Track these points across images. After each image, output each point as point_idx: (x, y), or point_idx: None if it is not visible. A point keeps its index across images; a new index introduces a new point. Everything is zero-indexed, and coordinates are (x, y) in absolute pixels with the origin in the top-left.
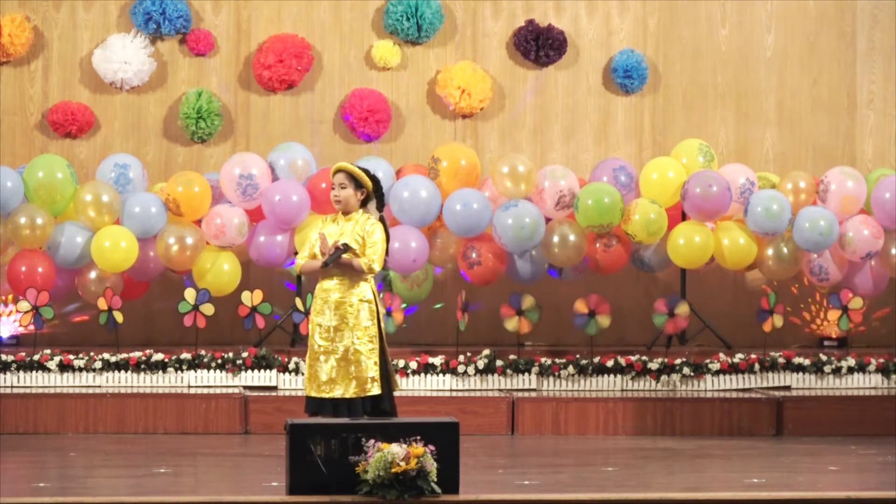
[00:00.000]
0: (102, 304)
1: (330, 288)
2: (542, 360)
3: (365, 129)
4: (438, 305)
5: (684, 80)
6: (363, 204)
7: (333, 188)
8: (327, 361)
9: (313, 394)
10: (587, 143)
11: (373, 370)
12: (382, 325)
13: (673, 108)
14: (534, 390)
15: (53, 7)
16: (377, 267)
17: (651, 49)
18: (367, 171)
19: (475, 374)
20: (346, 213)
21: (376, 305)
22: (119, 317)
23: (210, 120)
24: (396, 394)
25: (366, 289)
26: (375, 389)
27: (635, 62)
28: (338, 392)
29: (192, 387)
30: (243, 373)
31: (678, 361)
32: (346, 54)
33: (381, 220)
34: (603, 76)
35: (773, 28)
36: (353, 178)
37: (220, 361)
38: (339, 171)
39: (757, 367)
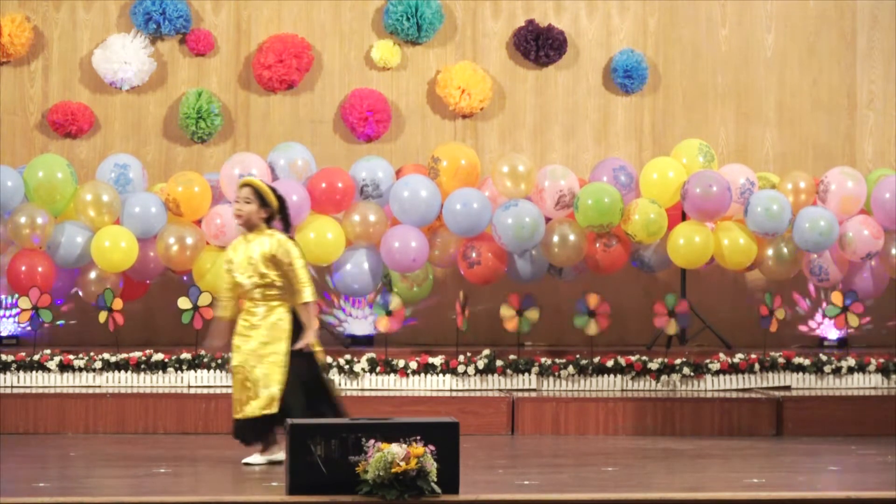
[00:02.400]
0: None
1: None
2: (542, 360)
3: (365, 129)
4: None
5: (684, 80)
6: (267, 222)
7: (237, 201)
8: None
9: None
10: (587, 142)
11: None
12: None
13: (673, 107)
14: (534, 390)
15: (53, 7)
16: (311, 296)
17: (651, 49)
18: (274, 191)
19: (475, 374)
20: (249, 229)
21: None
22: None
23: (210, 120)
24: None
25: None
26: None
27: (635, 62)
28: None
29: (192, 387)
30: None
31: (678, 361)
32: (346, 54)
33: (292, 240)
34: (603, 76)
35: (773, 28)
36: (258, 194)
37: (220, 361)
38: (245, 185)
39: (757, 367)
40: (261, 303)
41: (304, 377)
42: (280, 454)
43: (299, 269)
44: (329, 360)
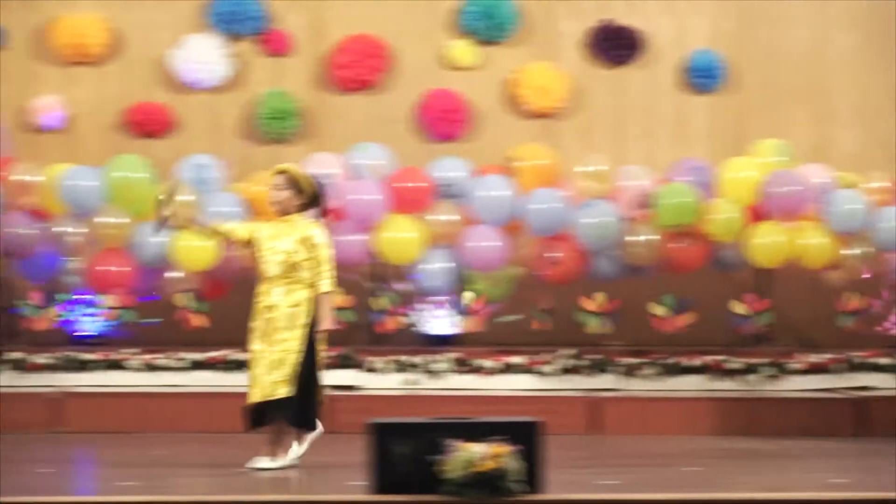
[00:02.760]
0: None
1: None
2: (624, 360)
3: (442, 128)
4: (511, 318)
5: (761, 79)
6: (303, 209)
7: (272, 189)
8: None
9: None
10: (664, 142)
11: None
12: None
13: (750, 107)
14: (616, 390)
15: (132, 8)
16: (330, 286)
17: (727, 49)
18: (309, 177)
19: (557, 374)
20: (283, 215)
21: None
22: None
23: (288, 120)
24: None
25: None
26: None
27: (712, 62)
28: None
29: None
30: (330, 372)
31: (759, 361)
32: (422, 54)
33: (323, 228)
34: (679, 76)
35: (850, 27)
36: (293, 181)
37: None
38: (280, 172)
39: (838, 367)
40: (283, 284)
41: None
42: (290, 455)
43: (324, 259)
44: (412, 360)
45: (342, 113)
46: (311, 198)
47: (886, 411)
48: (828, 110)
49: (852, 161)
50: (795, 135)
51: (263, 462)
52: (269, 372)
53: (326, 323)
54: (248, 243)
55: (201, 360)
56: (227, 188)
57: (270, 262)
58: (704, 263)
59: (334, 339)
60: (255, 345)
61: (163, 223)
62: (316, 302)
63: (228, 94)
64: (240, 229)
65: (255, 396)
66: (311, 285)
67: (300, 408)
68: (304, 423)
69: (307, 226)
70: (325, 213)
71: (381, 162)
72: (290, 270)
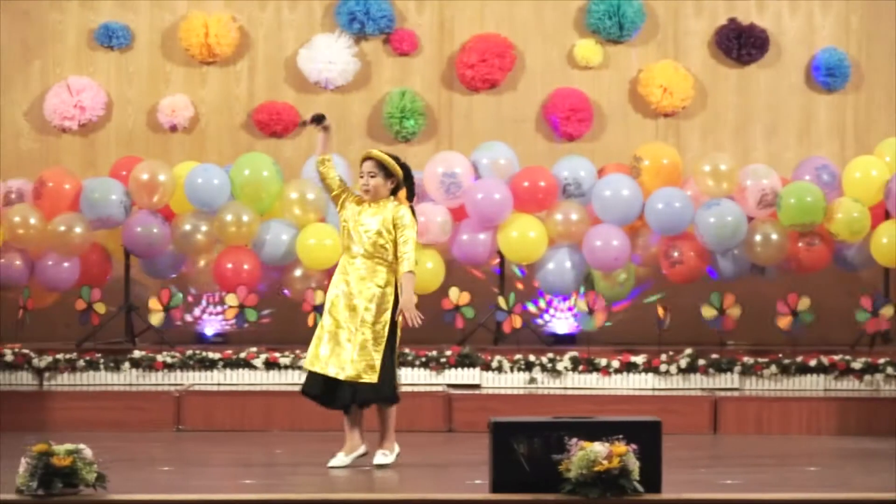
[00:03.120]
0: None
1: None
2: (745, 359)
3: (567, 128)
4: (654, 298)
5: (887, 77)
6: (393, 192)
7: (362, 176)
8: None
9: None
10: (789, 141)
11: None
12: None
13: (876, 105)
14: (736, 389)
15: (259, 7)
16: (412, 267)
17: (854, 47)
18: (397, 160)
19: (677, 374)
20: (374, 200)
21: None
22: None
23: (414, 119)
24: None
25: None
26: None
27: (838, 60)
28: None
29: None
30: (447, 371)
31: (882, 361)
32: (548, 53)
33: (411, 210)
34: (805, 74)
35: None
36: (382, 166)
37: (423, 360)
38: (368, 158)
39: None
40: (369, 263)
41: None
42: (361, 448)
43: (409, 240)
44: (532, 358)
45: (468, 112)
46: (399, 181)
47: None
48: None
49: None
50: None
51: (338, 459)
52: (355, 353)
53: (406, 303)
54: (335, 199)
55: None
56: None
57: (359, 240)
58: (829, 263)
59: (456, 337)
60: (330, 318)
61: (317, 120)
62: (397, 282)
63: (355, 94)
64: (336, 183)
65: (331, 372)
66: (394, 267)
67: (384, 390)
68: (392, 401)
69: (395, 207)
70: (411, 196)
71: (505, 161)
72: (378, 251)
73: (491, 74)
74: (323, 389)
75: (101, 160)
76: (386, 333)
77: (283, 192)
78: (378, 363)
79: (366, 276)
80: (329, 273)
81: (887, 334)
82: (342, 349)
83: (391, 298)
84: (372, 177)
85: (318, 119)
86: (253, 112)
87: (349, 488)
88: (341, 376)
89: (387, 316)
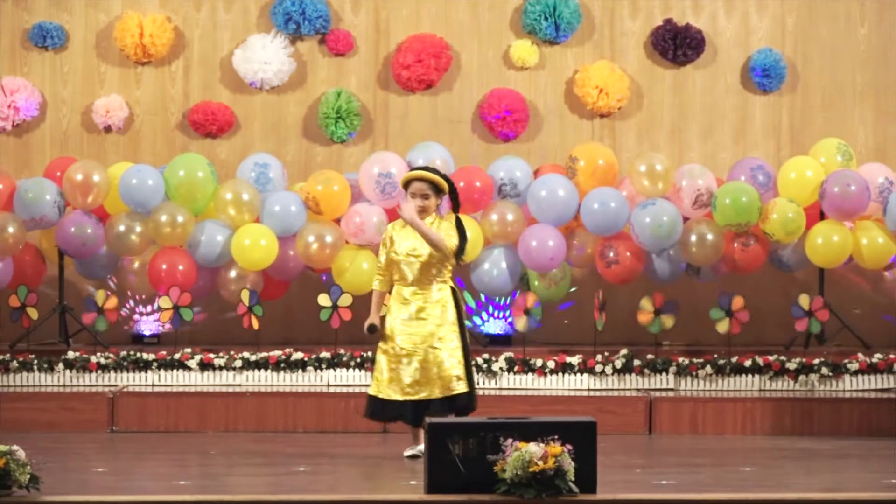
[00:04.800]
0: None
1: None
2: (680, 359)
3: (503, 128)
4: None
5: (823, 78)
6: (439, 207)
7: (415, 197)
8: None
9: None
10: (725, 142)
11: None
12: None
13: (811, 107)
14: (671, 390)
15: (194, 7)
16: (450, 244)
17: (789, 48)
18: (441, 175)
19: (613, 374)
20: (423, 217)
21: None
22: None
23: (349, 120)
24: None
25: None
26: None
27: (773, 61)
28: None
29: (331, 385)
30: None
31: (816, 361)
32: (485, 54)
33: (458, 220)
34: (741, 75)
35: None
36: (433, 184)
37: (359, 360)
38: (419, 179)
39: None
40: (427, 284)
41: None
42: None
43: (452, 237)
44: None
45: (403, 112)
46: (446, 194)
47: None
48: (890, 109)
49: None
50: (856, 134)
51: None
52: (435, 371)
53: (411, 217)
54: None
55: (257, 359)
56: (287, 188)
57: (412, 266)
58: (764, 263)
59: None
60: (395, 345)
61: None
62: (455, 293)
63: (290, 94)
64: (384, 264)
65: (413, 395)
66: (449, 280)
67: (471, 396)
68: (474, 408)
69: (444, 224)
70: (457, 207)
71: (441, 161)
72: (432, 270)
73: (427, 75)
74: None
75: (35, 160)
76: (460, 344)
77: (218, 193)
78: (463, 373)
79: (427, 298)
80: (264, 274)
81: (822, 335)
82: (426, 372)
83: (454, 309)
84: (425, 198)
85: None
86: (188, 113)
87: (284, 489)
88: (437, 395)
89: (456, 328)
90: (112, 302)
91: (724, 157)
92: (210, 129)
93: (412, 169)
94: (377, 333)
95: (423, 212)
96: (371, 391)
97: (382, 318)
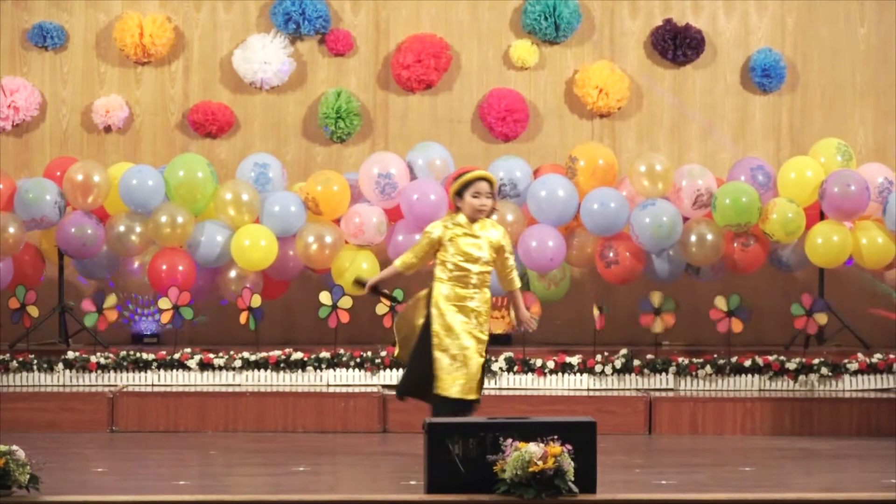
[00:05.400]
0: (241, 304)
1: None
2: (680, 359)
3: (503, 128)
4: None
5: (823, 78)
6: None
7: (479, 196)
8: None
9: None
10: (725, 142)
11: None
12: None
13: (811, 107)
14: (671, 390)
15: (194, 7)
16: (518, 283)
17: (789, 48)
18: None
19: (612, 374)
20: (474, 220)
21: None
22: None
23: (349, 120)
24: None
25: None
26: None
27: (773, 61)
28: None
29: (331, 385)
30: (382, 371)
31: (816, 361)
32: (484, 54)
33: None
34: (741, 75)
35: None
36: (493, 186)
37: (359, 360)
38: (485, 179)
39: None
40: (478, 289)
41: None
42: None
43: (512, 257)
44: None
45: (403, 112)
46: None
47: None
48: (890, 109)
49: None
50: (856, 134)
51: None
52: (479, 372)
53: (526, 318)
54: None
55: (256, 359)
56: (287, 188)
57: (470, 267)
58: (763, 263)
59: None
60: (453, 342)
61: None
62: (513, 298)
63: (290, 94)
64: (432, 250)
65: (473, 394)
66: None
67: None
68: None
69: (495, 228)
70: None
71: (441, 161)
72: (486, 272)
73: (426, 75)
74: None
75: (35, 161)
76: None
77: (218, 194)
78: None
79: (482, 299)
80: (264, 274)
81: (821, 335)
82: (472, 371)
83: (488, 316)
84: (489, 198)
85: (361, 284)
86: (188, 113)
87: (284, 489)
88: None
89: (486, 334)
90: (111, 301)
91: (723, 157)
92: (210, 130)
93: (462, 173)
94: (358, 287)
95: (483, 212)
96: (436, 391)
97: (374, 287)
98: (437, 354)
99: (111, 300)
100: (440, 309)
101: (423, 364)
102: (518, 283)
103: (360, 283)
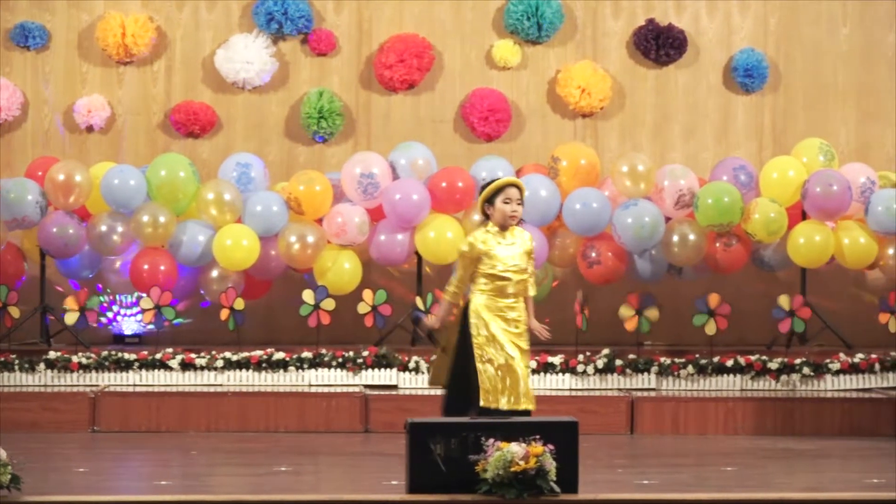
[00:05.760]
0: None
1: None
2: (662, 359)
3: (485, 128)
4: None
5: (805, 79)
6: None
7: (509, 203)
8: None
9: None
10: (707, 142)
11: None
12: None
13: (793, 107)
14: (653, 390)
15: (176, 7)
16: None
17: (772, 48)
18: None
19: (595, 374)
20: (505, 227)
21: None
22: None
23: (331, 119)
24: None
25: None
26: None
27: (756, 61)
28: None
29: (312, 385)
30: (364, 372)
31: (798, 361)
32: (467, 54)
33: None
34: (723, 75)
35: (895, 26)
36: (521, 193)
37: (340, 360)
38: (514, 185)
39: (877, 366)
40: (516, 298)
41: None
42: None
43: (533, 264)
44: None
45: (386, 112)
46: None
47: None
48: (872, 110)
49: (895, 160)
50: (839, 134)
51: None
52: (522, 385)
53: (536, 327)
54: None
55: (238, 359)
56: (269, 188)
57: (510, 276)
58: (746, 263)
59: (373, 338)
60: (498, 353)
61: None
62: (525, 305)
63: (272, 94)
64: (474, 267)
65: (523, 405)
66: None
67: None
68: None
69: (523, 234)
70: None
71: (423, 161)
72: (523, 280)
73: (409, 75)
74: None
75: (17, 160)
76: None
77: (200, 193)
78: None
79: (517, 309)
80: (246, 274)
81: (803, 334)
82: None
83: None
84: (519, 204)
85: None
86: (170, 112)
87: (266, 489)
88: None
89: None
90: (94, 302)
91: (706, 157)
92: (192, 129)
93: (489, 182)
94: (421, 330)
95: (514, 218)
96: (483, 403)
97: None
98: (481, 367)
99: (93, 300)
100: (483, 320)
101: (467, 381)
102: (534, 291)
103: (417, 320)
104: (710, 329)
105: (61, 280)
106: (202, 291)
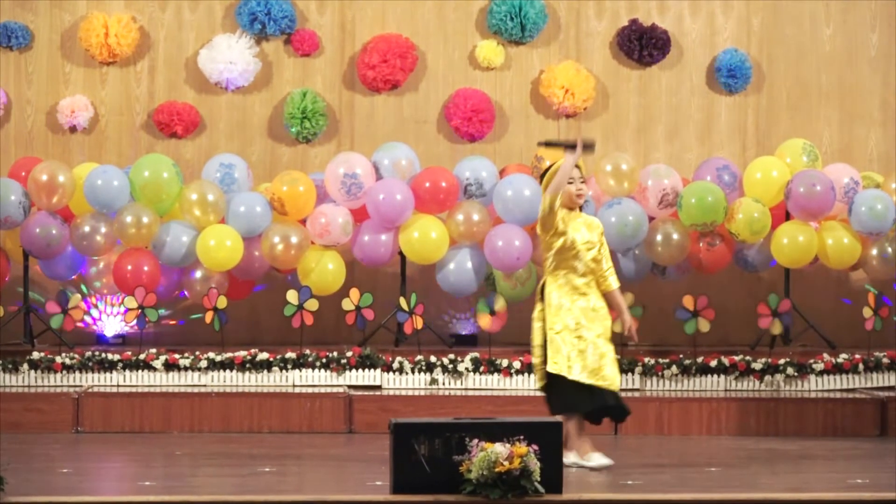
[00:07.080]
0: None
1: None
2: (645, 359)
3: (469, 128)
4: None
5: (788, 79)
6: None
7: (573, 182)
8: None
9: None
10: (690, 142)
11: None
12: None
13: (777, 107)
14: (637, 390)
15: (159, 8)
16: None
17: (755, 48)
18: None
19: None
20: (572, 208)
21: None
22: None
23: (315, 120)
24: None
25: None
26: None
27: (739, 61)
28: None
29: (296, 386)
30: (347, 372)
31: (782, 361)
32: (450, 54)
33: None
34: (707, 76)
35: (878, 27)
36: (584, 173)
37: (324, 361)
38: (576, 165)
39: (861, 367)
40: (594, 279)
41: None
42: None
43: (608, 253)
44: (433, 359)
45: (369, 113)
46: None
47: None
48: (855, 110)
49: (879, 161)
50: (822, 134)
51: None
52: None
53: (629, 319)
54: (556, 231)
55: (222, 360)
56: (253, 188)
57: (586, 258)
58: (729, 263)
59: (357, 338)
60: (576, 336)
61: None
62: (613, 300)
63: (256, 94)
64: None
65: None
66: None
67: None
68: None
69: (592, 217)
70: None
71: (407, 161)
72: (597, 259)
73: (392, 75)
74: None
75: None
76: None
77: (183, 194)
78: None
79: (598, 293)
80: (230, 275)
81: (787, 335)
82: (609, 364)
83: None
84: (583, 182)
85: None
86: (153, 113)
87: (250, 490)
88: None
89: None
90: (77, 302)
91: (689, 157)
92: (175, 130)
93: (549, 166)
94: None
95: (581, 197)
96: (570, 375)
97: None
98: (561, 341)
99: (76, 300)
100: (560, 302)
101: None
102: (617, 283)
103: (591, 145)
104: (690, 328)
105: (45, 280)
106: (184, 293)
